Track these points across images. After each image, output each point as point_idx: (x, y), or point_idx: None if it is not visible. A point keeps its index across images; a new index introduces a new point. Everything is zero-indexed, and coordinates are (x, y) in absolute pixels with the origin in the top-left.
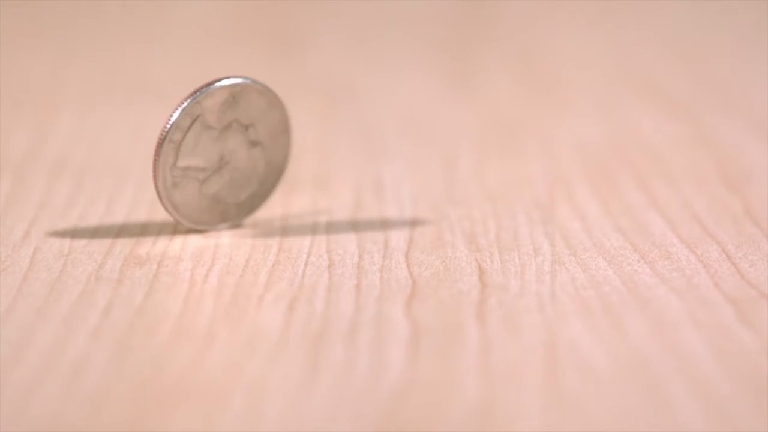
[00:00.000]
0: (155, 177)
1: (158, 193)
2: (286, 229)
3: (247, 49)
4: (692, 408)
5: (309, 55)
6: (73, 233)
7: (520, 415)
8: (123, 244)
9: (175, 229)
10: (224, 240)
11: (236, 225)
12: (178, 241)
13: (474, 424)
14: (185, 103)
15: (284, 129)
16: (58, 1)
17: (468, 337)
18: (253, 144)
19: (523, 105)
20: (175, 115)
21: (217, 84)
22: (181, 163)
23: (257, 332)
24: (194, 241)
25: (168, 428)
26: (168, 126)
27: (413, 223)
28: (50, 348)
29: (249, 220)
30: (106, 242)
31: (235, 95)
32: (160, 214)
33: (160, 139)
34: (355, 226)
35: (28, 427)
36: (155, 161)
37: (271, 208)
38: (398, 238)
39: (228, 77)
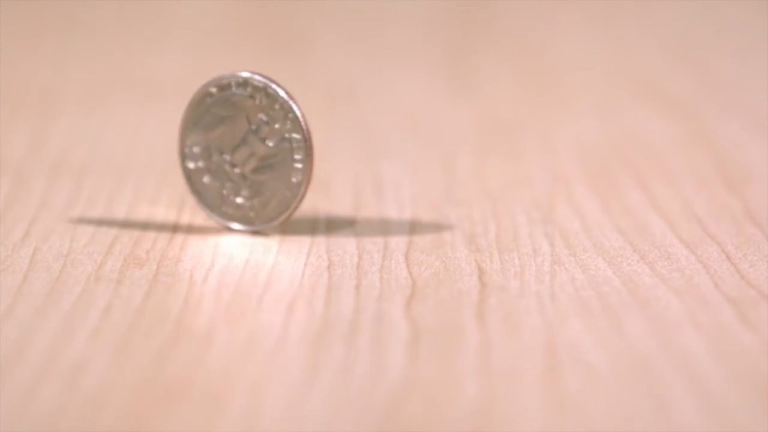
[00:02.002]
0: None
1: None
2: (285, 230)
3: (248, 49)
4: (692, 408)
5: (309, 55)
6: (73, 233)
7: (520, 415)
8: (123, 245)
9: (174, 230)
10: (224, 240)
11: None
12: (178, 241)
13: (474, 424)
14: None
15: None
16: (59, 2)
17: (468, 337)
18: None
19: (522, 105)
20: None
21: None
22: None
23: (257, 332)
24: (194, 241)
25: (168, 428)
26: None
27: (413, 224)
28: (50, 348)
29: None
30: (106, 242)
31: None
32: (160, 215)
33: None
34: (354, 226)
35: (28, 427)
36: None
37: None
38: (398, 238)
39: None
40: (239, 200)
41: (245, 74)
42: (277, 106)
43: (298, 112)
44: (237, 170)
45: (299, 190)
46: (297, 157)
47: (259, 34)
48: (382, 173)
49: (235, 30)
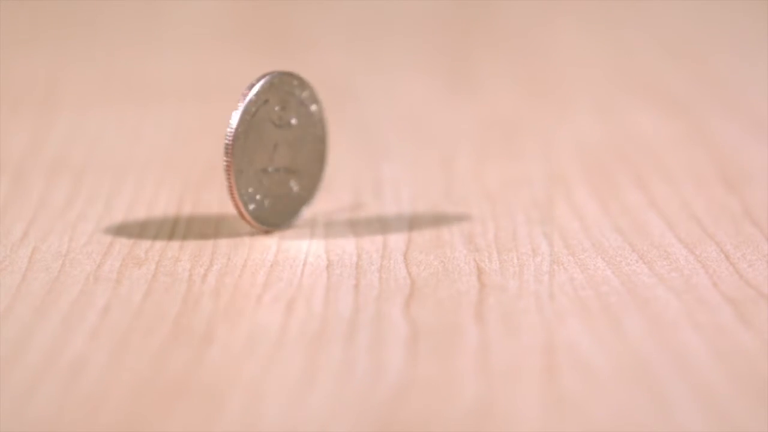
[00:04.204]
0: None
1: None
2: (284, 229)
3: (247, 49)
4: (691, 408)
5: (309, 55)
6: (72, 233)
7: (519, 415)
8: (121, 244)
9: (173, 229)
10: (222, 240)
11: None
12: (177, 241)
13: (473, 424)
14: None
15: (319, 164)
16: (57, 2)
17: (467, 337)
18: (290, 171)
19: (522, 105)
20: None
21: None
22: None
23: (256, 332)
24: (192, 241)
25: (166, 428)
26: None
27: (412, 223)
28: (49, 348)
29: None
30: (105, 242)
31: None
32: (159, 215)
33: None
34: (353, 226)
35: (26, 427)
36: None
37: None
38: (397, 238)
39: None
40: (296, 189)
41: (253, 91)
42: (283, 87)
43: (298, 76)
44: (282, 170)
45: (324, 131)
46: (312, 109)
47: (259, 34)
48: (381, 173)
49: (235, 30)
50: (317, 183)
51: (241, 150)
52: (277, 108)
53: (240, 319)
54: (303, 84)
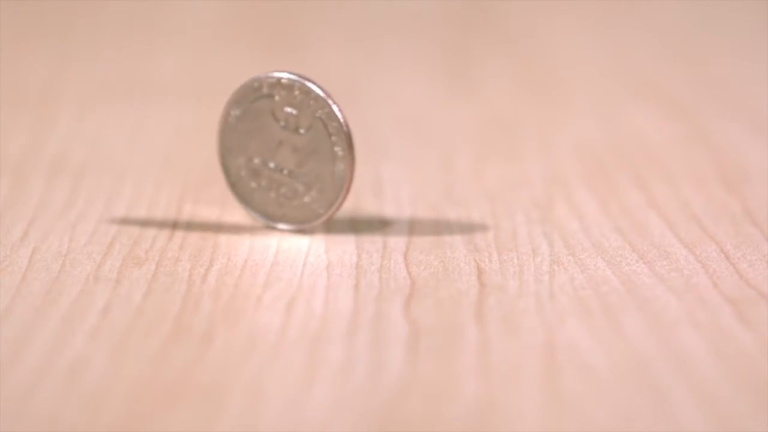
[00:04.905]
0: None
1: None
2: (286, 230)
3: (247, 49)
4: (691, 408)
5: (308, 55)
6: (72, 233)
7: (519, 415)
8: (121, 244)
9: (173, 229)
10: (222, 240)
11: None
12: (177, 241)
13: (473, 423)
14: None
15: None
16: (58, 2)
17: (467, 337)
18: (297, 178)
19: (522, 105)
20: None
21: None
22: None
23: (256, 332)
24: (193, 240)
25: (166, 428)
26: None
27: (412, 223)
28: (49, 348)
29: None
30: (105, 242)
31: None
32: (159, 215)
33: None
34: (353, 226)
35: (26, 427)
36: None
37: None
38: (397, 238)
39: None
40: (306, 199)
41: (257, 78)
42: (296, 92)
43: (317, 89)
44: (285, 171)
45: (349, 157)
46: (332, 127)
47: (258, 34)
48: (381, 173)
49: (235, 30)
50: (330, 206)
51: (233, 128)
52: (288, 109)
53: (240, 319)
54: (320, 102)
